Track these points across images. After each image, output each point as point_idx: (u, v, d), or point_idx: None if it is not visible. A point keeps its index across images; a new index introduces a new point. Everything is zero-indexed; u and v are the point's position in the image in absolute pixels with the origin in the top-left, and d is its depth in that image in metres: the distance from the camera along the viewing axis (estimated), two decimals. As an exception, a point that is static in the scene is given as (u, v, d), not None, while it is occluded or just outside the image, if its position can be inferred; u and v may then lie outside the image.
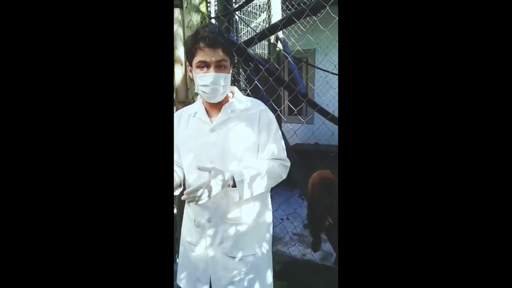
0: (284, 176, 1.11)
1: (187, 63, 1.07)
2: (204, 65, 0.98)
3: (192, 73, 1.05)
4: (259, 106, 1.09)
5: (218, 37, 0.97)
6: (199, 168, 0.96)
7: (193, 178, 1.07)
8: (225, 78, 1.00)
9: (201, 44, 0.96)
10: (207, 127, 1.05)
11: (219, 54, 0.98)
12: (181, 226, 1.85)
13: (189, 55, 1.02)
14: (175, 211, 1.97)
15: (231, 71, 1.04)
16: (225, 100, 1.08)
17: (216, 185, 0.94)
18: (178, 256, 1.99)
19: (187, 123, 1.11)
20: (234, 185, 0.97)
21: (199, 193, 0.92)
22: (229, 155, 1.03)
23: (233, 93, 1.11)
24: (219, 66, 0.99)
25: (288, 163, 1.13)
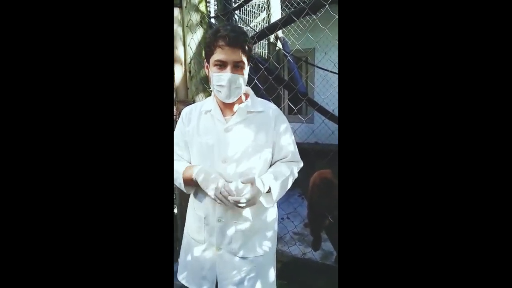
0: (296, 176, 1.13)
1: (204, 59, 1.05)
2: (221, 64, 0.97)
3: (208, 70, 1.04)
4: (274, 109, 1.10)
5: (240, 37, 0.95)
6: (243, 182, 0.97)
7: (203, 177, 1.04)
8: (242, 80, 1.00)
9: (221, 43, 0.94)
10: (222, 126, 1.04)
11: (238, 55, 0.96)
12: (182, 226, 1.86)
13: (208, 52, 1.01)
14: (175, 210, 1.97)
15: (247, 72, 1.03)
16: (239, 100, 1.07)
17: (259, 195, 0.97)
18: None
19: (198, 120, 1.09)
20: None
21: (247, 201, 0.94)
22: (242, 155, 1.03)
23: (247, 96, 1.10)
24: (236, 67, 0.97)
25: (301, 164, 1.15)
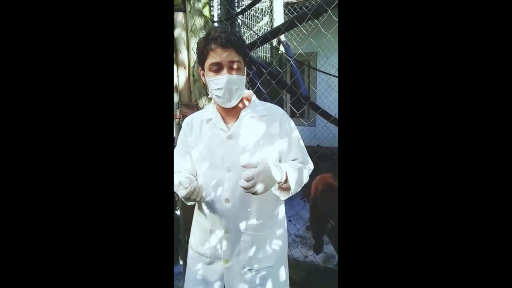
0: (307, 180, 1.06)
1: (199, 68, 1.00)
2: (216, 67, 0.92)
3: (204, 77, 0.98)
4: (278, 111, 1.05)
5: (231, 37, 0.91)
6: (244, 166, 0.90)
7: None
8: (240, 80, 0.94)
9: (213, 45, 0.90)
10: (224, 134, 0.99)
11: (232, 55, 0.91)
12: (184, 228, 1.87)
13: (201, 59, 0.96)
14: (178, 212, 1.98)
15: (245, 72, 0.98)
16: (241, 105, 1.02)
17: (277, 176, 0.89)
18: (180, 257, 2.00)
19: (200, 130, 1.03)
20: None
21: (258, 183, 0.85)
22: (245, 161, 0.97)
23: (249, 100, 1.05)
24: (232, 68, 0.92)
25: (312, 167, 1.10)
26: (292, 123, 1.06)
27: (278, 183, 0.94)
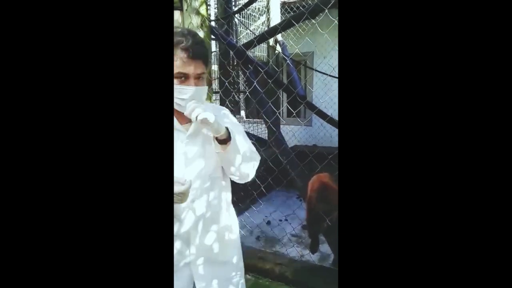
0: (252, 174, 1.06)
1: None
2: (183, 76, 0.94)
3: None
4: (222, 109, 1.11)
5: (201, 49, 0.94)
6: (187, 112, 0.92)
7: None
8: (204, 91, 0.98)
9: (183, 54, 0.92)
10: (183, 135, 1.02)
11: (201, 67, 0.95)
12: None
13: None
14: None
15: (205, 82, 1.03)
16: None
17: (212, 115, 0.91)
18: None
19: None
20: (223, 141, 0.95)
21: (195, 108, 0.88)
22: (207, 161, 1.03)
23: None
24: (198, 78, 0.96)
25: (259, 159, 1.10)
26: (235, 119, 1.12)
27: (218, 138, 0.94)
